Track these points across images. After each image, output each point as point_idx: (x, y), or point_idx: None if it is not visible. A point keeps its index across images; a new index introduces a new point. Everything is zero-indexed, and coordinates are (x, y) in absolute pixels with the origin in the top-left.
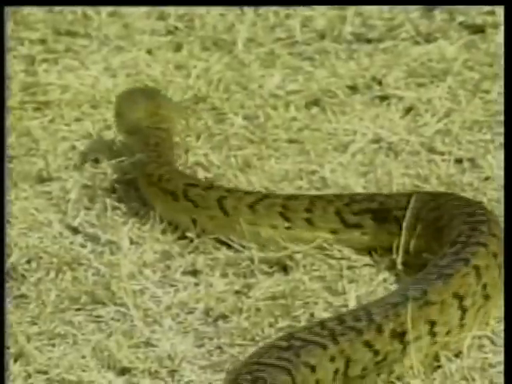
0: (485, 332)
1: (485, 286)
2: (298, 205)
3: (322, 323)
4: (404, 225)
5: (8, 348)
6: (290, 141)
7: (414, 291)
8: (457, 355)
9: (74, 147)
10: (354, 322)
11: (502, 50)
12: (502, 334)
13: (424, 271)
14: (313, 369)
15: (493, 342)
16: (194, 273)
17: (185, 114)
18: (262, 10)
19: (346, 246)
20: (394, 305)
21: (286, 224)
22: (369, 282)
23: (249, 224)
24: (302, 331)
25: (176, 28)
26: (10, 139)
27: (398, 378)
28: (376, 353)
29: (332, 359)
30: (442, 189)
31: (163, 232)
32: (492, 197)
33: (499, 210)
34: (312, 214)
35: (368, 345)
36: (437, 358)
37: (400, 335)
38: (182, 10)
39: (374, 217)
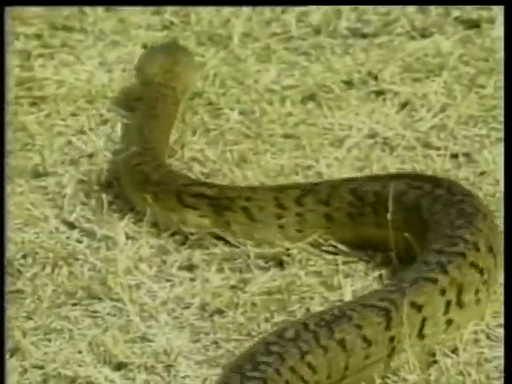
0: (480, 327)
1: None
2: (154, 176)
3: (425, 259)
4: (388, 217)
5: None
6: (286, 136)
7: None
8: (453, 350)
9: (69, 142)
10: (453, 248)
11: (497, 44)
12: (498, 329)
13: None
14: (419, 308)
15: (488, 337)
16: (190, 268)
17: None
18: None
19: (190, 227)
20: (470, 222)
21: (149, 196)
22: (364, 277)
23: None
24: (409, 271)
25: (171, 23)
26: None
27: (394, 373)
28: (481, 272)
29: (443, 292)
30: None
31: (159, 227)
32: (488, 191)
33: (495, 205)
34: (158, 188)
35: (474, 265)
36: (432, 353)
37: (490, 248)
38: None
39: (210, 203)
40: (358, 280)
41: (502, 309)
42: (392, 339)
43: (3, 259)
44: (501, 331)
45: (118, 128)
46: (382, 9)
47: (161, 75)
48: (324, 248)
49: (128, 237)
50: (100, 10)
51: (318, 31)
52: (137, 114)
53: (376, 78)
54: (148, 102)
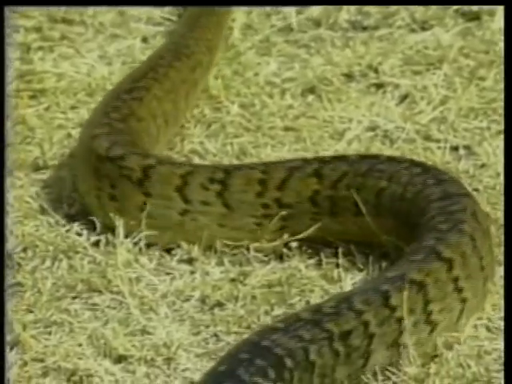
0: (481, 320)
1: None
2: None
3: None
4: (364, 211)
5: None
6: (286, 128)
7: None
8: (452, 343)
9: (69, 135)
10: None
11: (497, 37)
12: (498, 322)
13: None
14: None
15: (489, 330)
16: (190, 261)
17: None
18: None
19: None
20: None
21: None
22: (365, 270)
23: None
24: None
25: (171, 16)
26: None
27: (395, 366)
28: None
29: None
30: None
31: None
32: (488, 184)
33: (496, 198)
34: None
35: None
36: (434, 346)
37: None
38: None
39: None
40: (358, 273)
41: (501, 301)
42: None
43: (3, 252)
44: (501, 324)
45: None
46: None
47: None
48: (324, 241)
49: (128, 229)
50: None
51: (318, 24)
52: None
53: (376, 71)
54: None
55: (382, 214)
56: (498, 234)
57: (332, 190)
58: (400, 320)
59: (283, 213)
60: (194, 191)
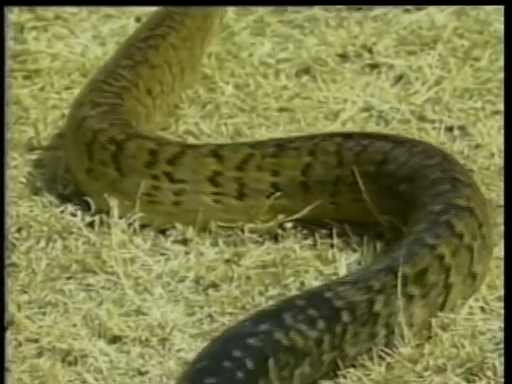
0: (477, 302)
1: None
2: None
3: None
4: (362, 189)
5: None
6: (281, 109)
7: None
8: (447, 323)
9: (64, 115)
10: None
11: (492, 17)
12: (493, 303)
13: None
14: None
15: (483, 310)
16: (185, 241)
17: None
18: None
19: None
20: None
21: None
22: (359, 250)
23: None
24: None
25: None
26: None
27: (389, 347)
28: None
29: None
30: None
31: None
32: (482, 165)
33: (490, 178)
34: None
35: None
36: (428, 326)
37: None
38: None
39: None
40: (352, 253)
41: (496, 282)
42: None
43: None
44: (495, 304)
45: None
46: None
47: None
48: (319, 221)
49: (122, 210)
50: None
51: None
52: None
53: (370, 51)
54: None
55: (313, 189)
56: (492, 215)
57: (238, 172)
58: (468, 247)
59: (278, 194)
60: (98, 150)
